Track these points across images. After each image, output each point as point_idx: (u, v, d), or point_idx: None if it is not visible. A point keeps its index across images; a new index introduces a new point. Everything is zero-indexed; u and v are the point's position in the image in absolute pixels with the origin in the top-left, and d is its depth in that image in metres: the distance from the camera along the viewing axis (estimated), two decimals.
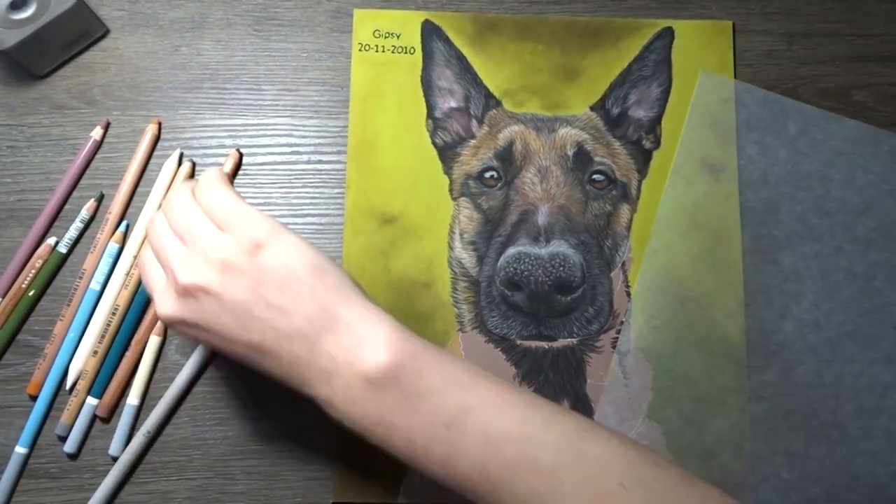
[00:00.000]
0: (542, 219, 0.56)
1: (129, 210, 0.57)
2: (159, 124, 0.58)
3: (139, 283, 0.56)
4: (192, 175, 0.58)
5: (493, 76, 0.59)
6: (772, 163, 0.58)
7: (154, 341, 0.55)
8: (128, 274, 0.56)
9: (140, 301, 0.55)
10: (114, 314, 0.55)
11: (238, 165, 0.58)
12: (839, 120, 0.58)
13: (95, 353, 0.54)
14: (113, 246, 0.56)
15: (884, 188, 0.57)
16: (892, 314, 0.56)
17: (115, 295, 0.55)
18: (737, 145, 0.58)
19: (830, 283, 0.56)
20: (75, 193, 0.58)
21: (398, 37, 0.60)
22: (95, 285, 0.55)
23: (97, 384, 0.54)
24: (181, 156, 0.58)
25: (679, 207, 0.57)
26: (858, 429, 0.54)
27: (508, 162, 0.58)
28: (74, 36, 0.58)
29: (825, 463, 0.54)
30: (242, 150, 0.59)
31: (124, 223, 0.57)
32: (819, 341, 0.56)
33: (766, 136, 0.58)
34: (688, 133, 0.58)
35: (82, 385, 0.54)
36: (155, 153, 0.58)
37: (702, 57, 0.60)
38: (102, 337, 0.55)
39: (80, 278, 0.56)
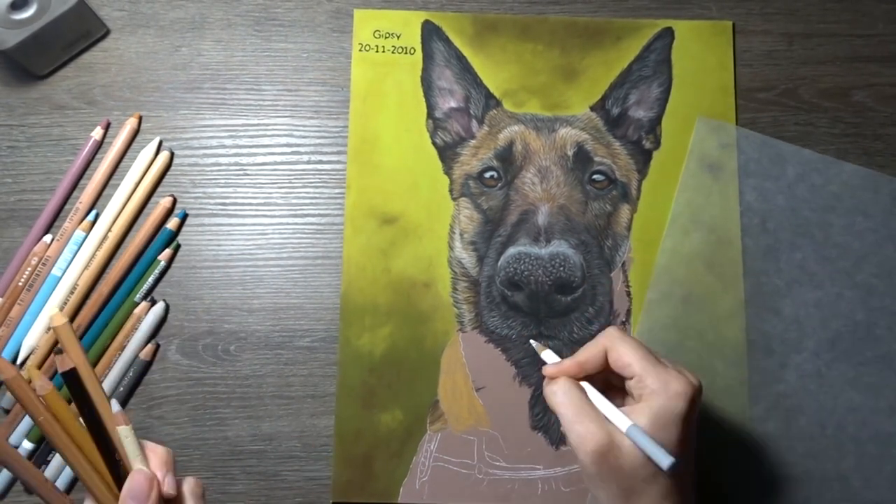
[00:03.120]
0: (542, 219, 0.56)
1: (101, 200, 0.58)
2: (139, 118, 0.58)
3: (104, 265, 0.56)
4: (169, 165, 0.58)
5: (493, 76, 0.59)
6: (771, 209, 0.57)
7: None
8: (92, 260, 0.56)
9: (122, 293, 0.56)
10: (72, 293, 0.56)
11: (168, 165, 0.58)
12: (837, 164, 0.58)
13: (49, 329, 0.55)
14: (79, 234, 0.56)
15: (883, 233, 0.56)
16: (895, 362, 0.55)
17: (76, 277, 0.56)
18: (731, 189, 0.57)
19: (831, 331, 0.55)
20: (75, 194, 0.58)
21: (398, 37, 0.60)
22: (57, 271, 0.56)
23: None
24: (160, 144, 0.58)
25: (679, 257, 0.56)
26: (861, 480, 0.53)
27: (508, 162, 0.58)
28: (75, 36, 0.58)
29: None
30: (242, 150, 0.59)
31: (93, 212, 0.57)
32: (820, 391, 0.55)
33: (765, 182, 0.57)
34: (686, 181, 0.57)
35: (33, 360, 0.54)
36: (156, 155, 0.58)
37: (702, 57, 0.60)
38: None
39: (45, 265, 0.56)
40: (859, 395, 0.55)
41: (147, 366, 0.55)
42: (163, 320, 0.56)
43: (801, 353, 0.55)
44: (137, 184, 0.58)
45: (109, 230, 0.57)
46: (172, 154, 0.58)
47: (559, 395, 0.46)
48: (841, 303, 0.56)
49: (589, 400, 0.46)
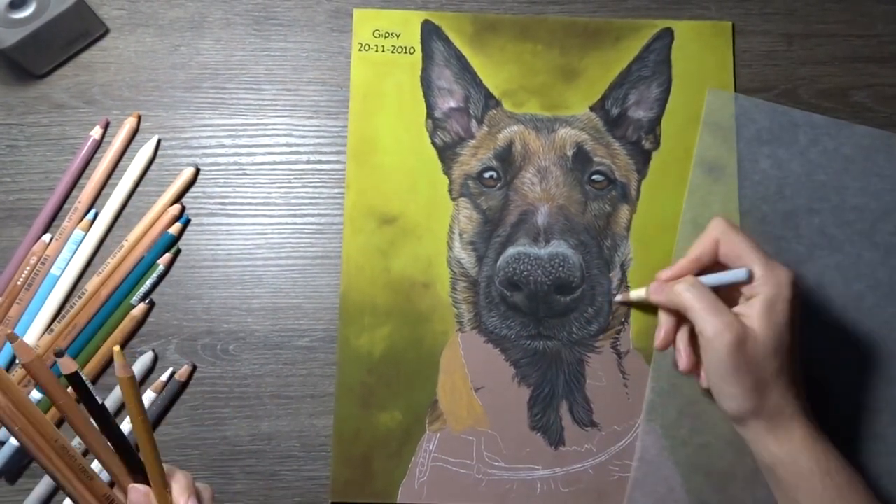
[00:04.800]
0: (541, 219, 0.56)
1: (100, 199, 0.58)
2: (139, 118, 0.58)
3: (112, 271, 0.56)
4: (193, 180, 0.58)
5: (492, 76, 0.59)
6: (786, 175, 0.57)
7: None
8: (91, 260, 0.57)
9: (120, 295, 0.56)
10: (79, 297, 0.56)
11: (192, 181, 0.58)
12: (849, 127, 0.58)
13: (51, 331, 0.55)
14: (78, 233, 0.56)
15: None
16: None
17: (75, 276, 0.56)
18: (749, 160, 0.57)
19: (854, 292, 0.56)
20: (74, 193, 0.58)
21: (398, 37, 0.60)
22: (56, 270, 0.56)
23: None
24: (158, 143, 0.58)
25: (697, 226, 0.56)
26: None
27: (508, 162, 0.58)
28: (74, 35, 0.58)
29: (869, 475, 0.53)
30: (241, 150, 0.59)
31: (93, 212, 0.57)
32: (849, 352, 0.55)
33: (779, 150, 0.58)
34: (701, 152, 0.57)
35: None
36: (154, 154, 0.58)
37: (701, 58, 0.60)
38: (60, 316, 0.55)
39: (43, 264, 0.56)
40: (887, 353, 0.55)
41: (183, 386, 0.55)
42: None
43: (826, 315, 0.56)
44: (137, 183, 0.57)
45: (108, 231, 0.57)
46: (198, 170, 0.58)
47: (687, 293, 0.48)
48: (861, 263, 0.56)
49: (715, 294, 0.48)
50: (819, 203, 0.57)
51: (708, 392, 0.51)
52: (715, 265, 0.51)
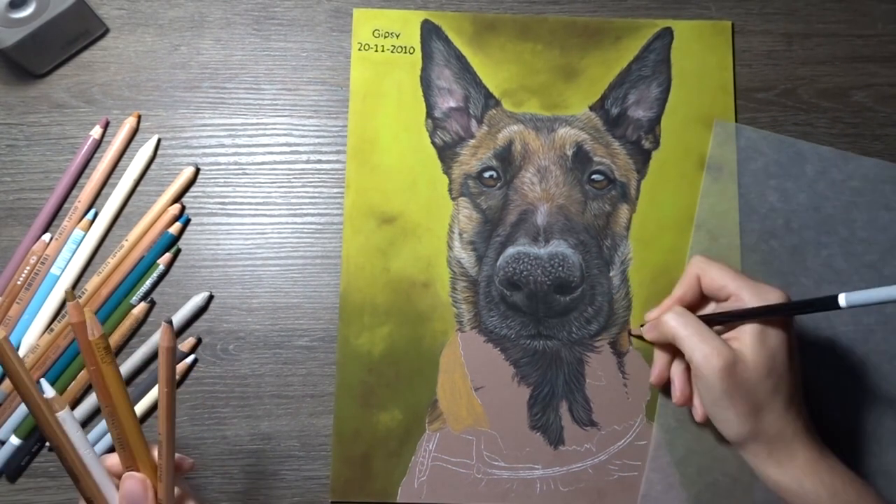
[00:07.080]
0: (541, 219, 0.56)
1: (99, 199, 0.58)
2: (139, 117, 0.58)
3: (112, 271, 0.56)
4: (193, 180, 0.58)
5: (492, 76, 0.59)
6: (793, 209, 0.57)
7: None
8: (91, 259, 0.57)
9: (119, 295, 0.56)
10: (79, 297, 0.56)
11: (192, 181, 0.58)
12: (857, 159, 0.58)
13: (51, 330, 0.55)
14: (78, 233, 0.56)
15: None
16: None
17: (75, 276, 0.56)
18: (756, 193, 0.57)
19: (863, 326, 0.55)
20: (73, 192, 0.58)
21: (398, 36, 0.60)
22: (56, 270, 0.56)
23: (53, 370, 0.55)
24: (158, 142, 0.58)
25: (710, 234, 0.57)
26: None
27: (508, 162, 0.58)
28: (74, 35, 0.58)
29: None
30: (241, 150, 0.59)
31: (92, 211, 0.57)
32: (857, 388, 0.55)
33: (786, 182, 0.57)
34: (708, 186, 0.57)
35: (31, 358, 0.55)
36: (154, 153, 0.58)
37: (701, 57, 0.60)
38: (60, 316, 0.56)
39: (43, 264, 0.56)
40: (894, 389, 0.55)
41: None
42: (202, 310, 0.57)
43: (834, 350, 0.55)
44: (137, 182, 0.58)
45: (108, 231, 0.57)
46: (198, 170, 0.58)
47: (673, 321, 0.49)
48: None
49: (702, 322, 0.48)
50: (827, 236, 0.57)
51: (703, 424, 0.51)
52: (701, 301, 0.51)
